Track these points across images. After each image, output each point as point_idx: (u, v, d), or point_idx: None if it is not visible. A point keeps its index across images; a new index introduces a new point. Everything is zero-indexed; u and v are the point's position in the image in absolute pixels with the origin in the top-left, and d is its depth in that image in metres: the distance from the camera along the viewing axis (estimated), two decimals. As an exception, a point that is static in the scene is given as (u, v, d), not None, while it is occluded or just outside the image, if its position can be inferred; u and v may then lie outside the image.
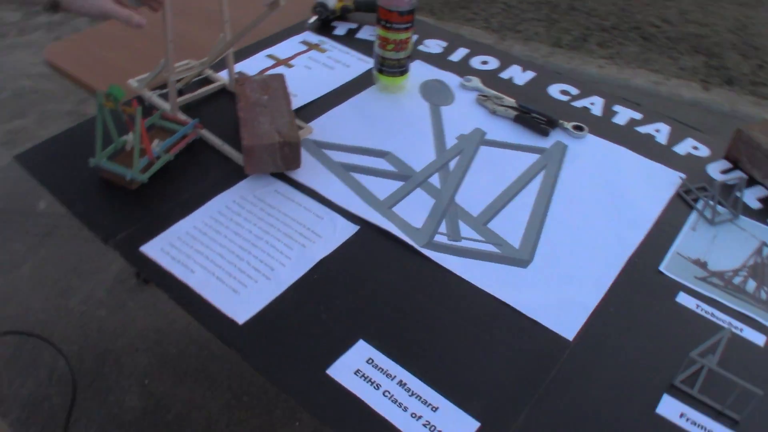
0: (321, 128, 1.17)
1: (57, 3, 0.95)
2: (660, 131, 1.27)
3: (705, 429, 0.75)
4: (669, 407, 0.78)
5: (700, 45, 2.89)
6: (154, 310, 1.78)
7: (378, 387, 0.76)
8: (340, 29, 1.51)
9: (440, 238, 0.97)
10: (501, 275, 0.92)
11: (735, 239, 1.03)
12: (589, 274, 0.94)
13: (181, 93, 1.20)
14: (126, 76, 1.25)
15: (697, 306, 0.91)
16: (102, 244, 0.94)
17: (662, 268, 0.96)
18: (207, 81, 1.28)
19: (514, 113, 1.25)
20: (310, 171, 1.08)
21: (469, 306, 0.88)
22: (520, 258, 0.96)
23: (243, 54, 1.37)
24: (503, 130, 1.22)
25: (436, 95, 1.30)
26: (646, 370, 0.82)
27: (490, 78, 1.37)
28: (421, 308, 0.87)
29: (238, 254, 0.92)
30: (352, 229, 0.97)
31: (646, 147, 1.22)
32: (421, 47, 1.46)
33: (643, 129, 1.27)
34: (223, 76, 1.29)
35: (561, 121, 1.24)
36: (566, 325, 0.86)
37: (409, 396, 0.76)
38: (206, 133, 1.13)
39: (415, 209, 1.02)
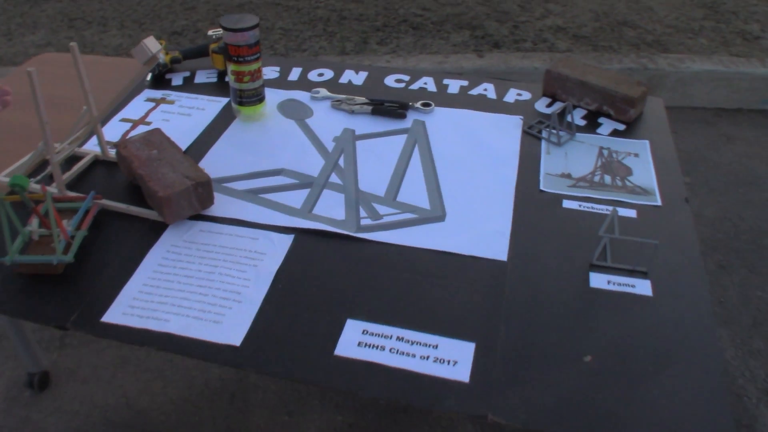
0: (210, 167, 1.23)
1: None
2: (487, 90, 1.50)
3: (628, 285, 0.97)
4: (597, 280, 0.98)
5: (461, 22, 3.29)
6: (64, 411, 1.69)
7: (383, 348, 0.87)
8: (176, 80, 1.56)
9: (365, 221, 1.10)
10: (428, 233, 1.07)
11: (580, 151, 1.28)
12: (493, 210, 1.12)
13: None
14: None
15: (579, 205, 1.13)
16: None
17: (542, 187, 1.18)
18: (75, 158, 1.28)
19: (369, 108, 1.41)
20: (221, 205, 1.14)
21: (417, 263, 1.01)
22: (436, 215, 1.11)
23: (97, 124, 1.37)
24: (366, 123, 1.37)
25: (295, 112, 1.42)
26: (570, 260, 1.01)
27: (332, 86, 1.52)
28: (381, 278, 0.99)
29: (200, 292, 0.97)
30: (288, 239, 1.06)
31: (482, 104, 1.44)
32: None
33: (474, 92, 1.49)
34: (88, 148, 1.29)
35: (410, 103, 1.42)
36: (497, 250, 1.03)
37: (411, 345, 0.88)
38: (107, 202, 1.14)
39: (331, 206, 1.13)
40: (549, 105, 1.44)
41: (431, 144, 1.30)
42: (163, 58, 1.54)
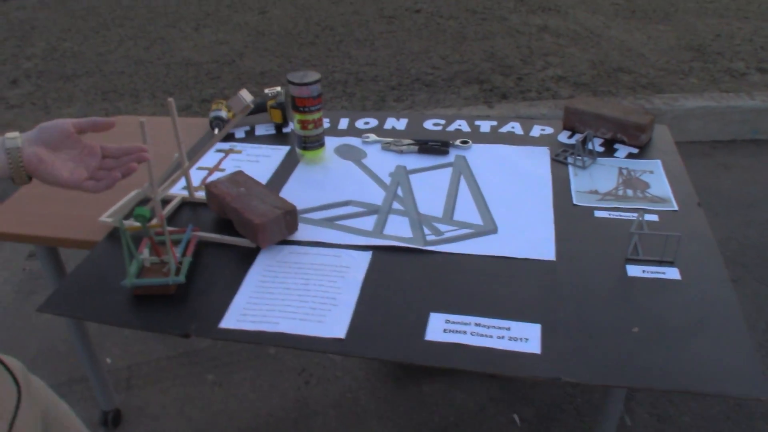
0: (286, 202, 1.42)
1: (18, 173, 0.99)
2: (514, 127, 1.71)
3: (659, 272, 1.15)
4: (633, 270, 1.16)
5: (469, 77, 3.56)
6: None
7: (464, 333, 1.05)
8: (239, 133, 1.77)
9: (430, 237, 1.29)
10: (486, 243, 1.26)
11: (602, 172, 1.48)
12: (536, 221, 1.31)
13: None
14: (66, 222, 1.41)
15: (609, 214, 1.33)
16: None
17: (575, 201, 1.38)
18: (164, 201, 1.47)
19: (416, 147, 1.61)
20: (304, 232, 1.33)
21: (480, 267, 1.20)
22: (489, 229, 1.30)
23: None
24: (415, 160, 1.58)
25: (351, 154, 1.63)
26: (608, 256, 1.20)
27: (378, 131, 1.73)
28: (452, 280, 1.17)
29: (300, 300, 1.15)
30: (367, 254, 1.25)
31: (512, 140, 1.65)
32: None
33: (503, 130, 1.71)
34: (174, 192, 1.49)
35: (451, 142, 1.63)
36: (546, 252, 1.22)
37: (487, 329, 1.06)
38: (203, 234, 1.33)
39: (398, 227, 1.33)
40: (570, 137, 1.65)
41: (474, 173, 1.50)
42: (226, 114, 1.76)
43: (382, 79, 3.59)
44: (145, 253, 1.26)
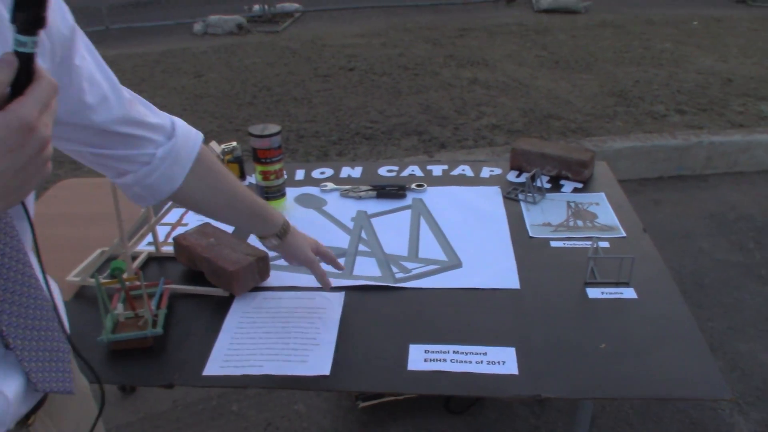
0: (254, 251, 1.45)
1: (285, 233, 1.19)
2: (465, 170, 1.81)
3: (616, 293, 1.24)
4: (593, 293, 1.25)
5: (408, 129, 3.69)
6: None
7: (445, 360, 1.10)
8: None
9: (399, 275, 1.34)
10: (452, 277, 1.32)
11: (552, 205, 1.58)
12: (497, 254, 1.39)
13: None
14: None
15: (564, 243, 1.42)
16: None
17: (531, 234, 1.46)
18: (131, 257, 1.47)
19: (374, 193, 1.68)
20: (277, 278, 1.36)
21: (451, 300, 1.25)
22: (454, 263, 1.37)
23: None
24: (374, 205, 1.64)
25: (312, 203, 1.68)
26: (568, 282, 1.28)
27: (335, 180, 1.79)
28: (426, 313, 1.22)
29: (281, 342, 1.17)
30: (341, 294, 1.29)
31: (464, 181, 1.74)
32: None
33: (454, 173, 1.80)
34: (140, 248, 1.49)
35: (407, 186, 1.70)
36: (511, 282, 1.29)
37: (466, 355, 1.10)
38: (176, 286, 1.34)
39: (367, 268, 1.37)
40: (518, 176, 1.75)
41: (433, 214, 1.57)
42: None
43: (323, 135, 3.68)
44: (118, 308, 1.26)
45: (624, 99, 4.05)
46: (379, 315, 1.22)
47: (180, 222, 1.63)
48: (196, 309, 1.29)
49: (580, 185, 1.68)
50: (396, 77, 4.68)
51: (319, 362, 1.11)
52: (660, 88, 4.22)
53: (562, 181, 1.70)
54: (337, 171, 1.85)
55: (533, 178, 1.63)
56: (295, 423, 2.00)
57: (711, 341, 2.23)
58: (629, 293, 1.24)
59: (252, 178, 1.68)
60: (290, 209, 1.64)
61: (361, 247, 1.45)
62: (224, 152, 1.80)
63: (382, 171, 1.83)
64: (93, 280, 1.33)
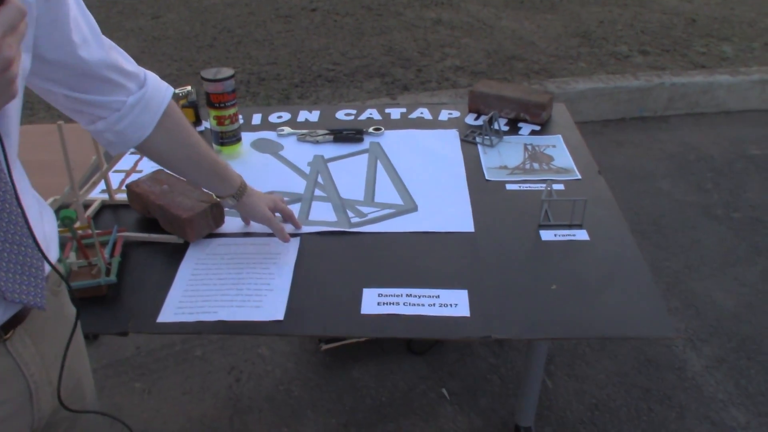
0: (209, 198, 1.43)
1: (241, 194, 1.23)
2: (423, 113, 1.79)
3: (569, 235, 1.25)
4: (546, 235, 1.26)
5: (370, 71, 3.63)
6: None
7: (398, 304, 1.11)
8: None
9: (354, 220, 1.34)
10: (408, 221, 1.32)
11: (509, 149, 1.58)
12: (453, 198, 1.39)
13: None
14: None
15: (519, 186, 1.42)
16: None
17: (487, 177, 1.46)
18: (84, 206, 1.44)
19: (331, 137, 1.66)
20: (231, 224, 1.34)
21: (405, 244, 1.26)
22: (409, 207, 1.37)
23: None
24: (331, 149, 1.62)
25: (268, 148, 1.65)
26: (522, 225, 1.29)
27: (292, 124, 1.76)
28: (380, 257, 1.22)
29: (235, 288, 1.17)
30: (296, 240, 1.28)
31: (422, 124, 1.73)
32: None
33: (413, 116, 1.78)
34: (93, 196, 1.46)
35: (364, 129, 1.68)
36: (465, 225, 1.30)
37: (418, 298, 1.12)
38: (130, 233, 1.32)
39: (322, 213, 1.37)
40: (476, 119, 1.74)
41: (390, 158, 1.57)
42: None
43: (285, 77, 3.61)
44: (71, 257, 1.24)
45: (588, 40, 4.03)
46: (334, 260, 1.23)
47: (134, 169, 1.60)
48: (152, 256, 1.28)
49: (537, 128, 1.68)
50: (359, 18, 4.58)
51: (273, 307, 1.12)
52: (624, 29, 4.21)
53: (520, 124, 1.70)
54: (295, 115, 1.82)
55: (491, 121, 1.62)
56: (259, 366, 2.02)
57: (667, 281, 2.29)
58: (582, 235, 1.26)
59: (207, 123, 1.64)
60: (246, 154, 1.62)
61: (318, 192, 1.44)
62: (179, 96, 1.75)
63: (340, 115, 1.81)
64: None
